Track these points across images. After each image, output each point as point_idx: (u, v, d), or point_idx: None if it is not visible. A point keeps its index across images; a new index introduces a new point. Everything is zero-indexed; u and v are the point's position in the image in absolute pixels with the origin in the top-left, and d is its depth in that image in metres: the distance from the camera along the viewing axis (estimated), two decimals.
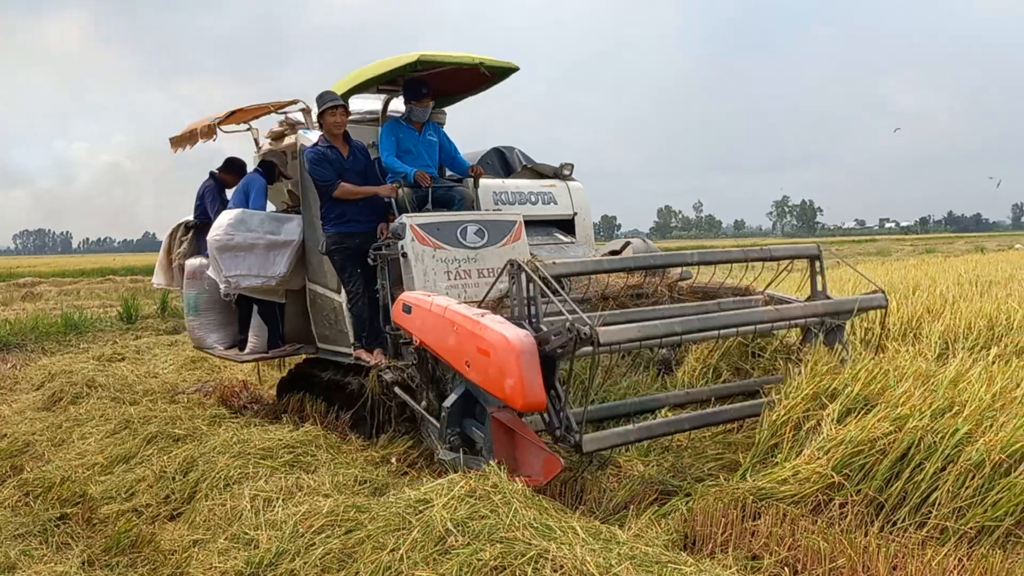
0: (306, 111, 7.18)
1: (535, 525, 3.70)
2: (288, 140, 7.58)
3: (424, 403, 5.60)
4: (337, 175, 6.30)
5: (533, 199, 7.38)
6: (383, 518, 3.93)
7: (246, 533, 4.26)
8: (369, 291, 6.33)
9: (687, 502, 4.36)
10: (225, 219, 6.94)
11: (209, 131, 7.22)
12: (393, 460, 5.71)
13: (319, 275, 6.93)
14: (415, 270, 6.01)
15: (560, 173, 7.50)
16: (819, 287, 6.00)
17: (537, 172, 7.80)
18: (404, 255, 6.05)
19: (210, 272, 7.10)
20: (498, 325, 4.76)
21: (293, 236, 7.03)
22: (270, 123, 7.94)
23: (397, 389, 5.81)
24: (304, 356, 7.58)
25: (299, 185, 7.12)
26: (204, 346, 7.99)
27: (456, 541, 3.60)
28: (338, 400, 6.82)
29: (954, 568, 3.52)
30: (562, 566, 3.34)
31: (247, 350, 7.41)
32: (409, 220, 5.97)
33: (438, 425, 5.31)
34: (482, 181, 6.92)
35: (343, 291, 6.54)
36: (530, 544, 3.50)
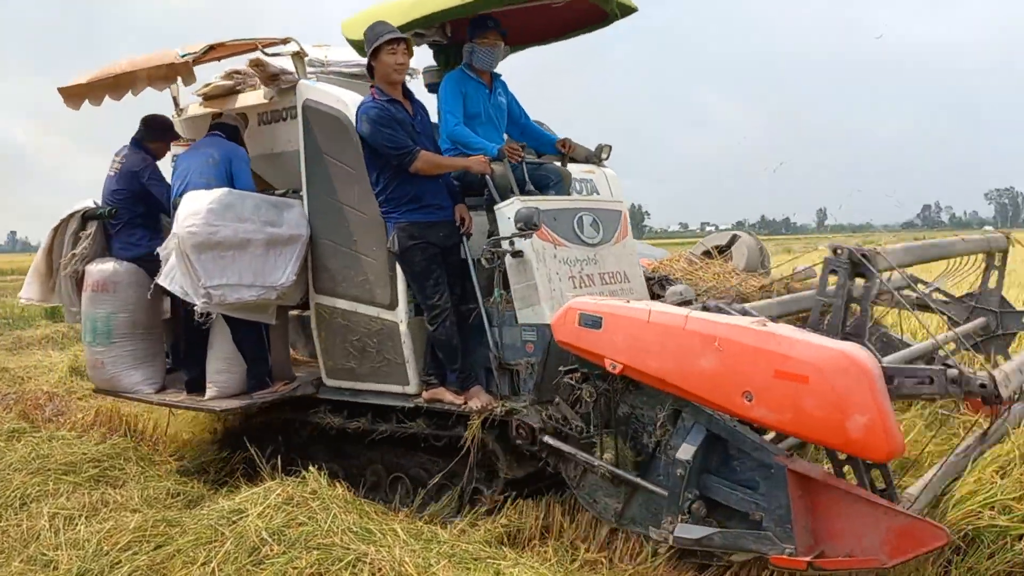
0: (299, 55, 5.15)
1: (355, 530, 3.77)
2: (249, 98, 5.50)
3: (605, 456, 3.92)
4: (412, 141, 4.44)
5: (578, 187, 5.84)
6: (194, 531, 3.86)
7: (44, 554, 4.01)
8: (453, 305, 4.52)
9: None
10: (203, 203, 4.74)
11: (183, 70, 4.94)
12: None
13: (342, 284, 4.94)
14: (538, 274, 4.34)
15: (594, 157, 6.03)
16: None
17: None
18: (518, 253, 4.34)
19: (167, 281, 4.82)
20: (815, 338, 3.28)
21: (300, 230, 4.97)
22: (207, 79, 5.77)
23: (550, 440, 4.07)
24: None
25: (307, 156, 5.06)
26: (120, 388, 5.58)
27: (271, 550, 3.58)
28: (390, 462, 4.98)
29: None
30: (380, 568, 3.43)
31: (211, 394, 5.16)
32: (528, 205, 4.27)
33: (647, 486, 3.70)
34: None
35: (401, 306, 4.64)
36: (348, 548, 3.56)
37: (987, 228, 7.50)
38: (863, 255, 3.38)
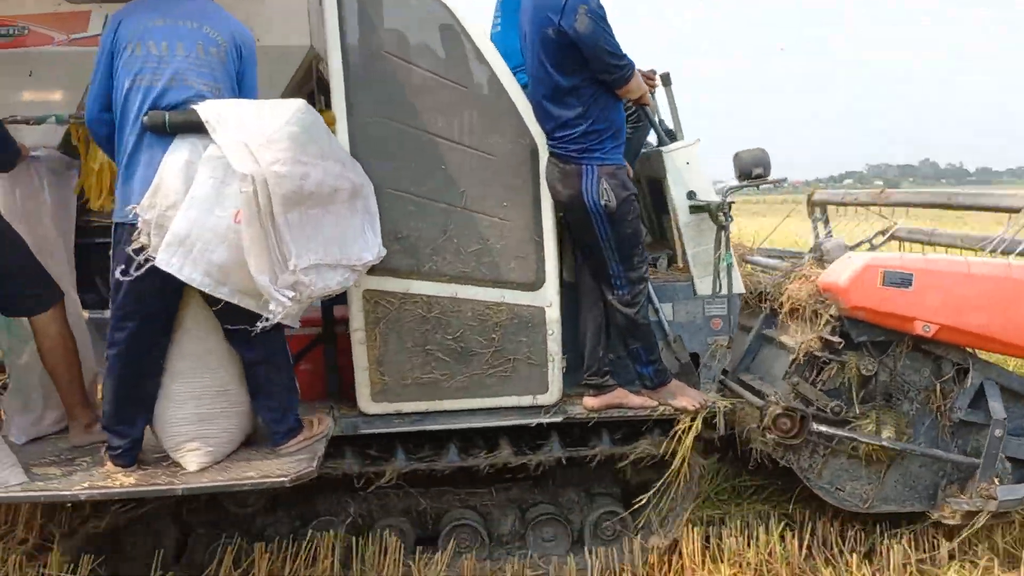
0: None
1: None
2: None
3: (895, 431, 3.47)
4: None
5: None
6: None
7: None
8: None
9: None
10: (278, 122, 2.66)
11: None
12: None
13: (431, 259, 3.27)
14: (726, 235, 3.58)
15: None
16: None
17: None
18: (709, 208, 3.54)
19: (176, 264, 2.60)
20: None
21: (362, 176, 3.11)
22: None
23: (821, 427, 3.41)
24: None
25: (353, 63, 3.16)
26: None
27: None
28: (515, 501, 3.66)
29: None
30: None
31: (201, 459, 2.92)
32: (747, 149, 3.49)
33: (948, 456, 3.45)
34: None
35: (550, 284, 3.31)
36: None
37: None
38: None
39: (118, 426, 2.93)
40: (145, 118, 2.77)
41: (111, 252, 2.89)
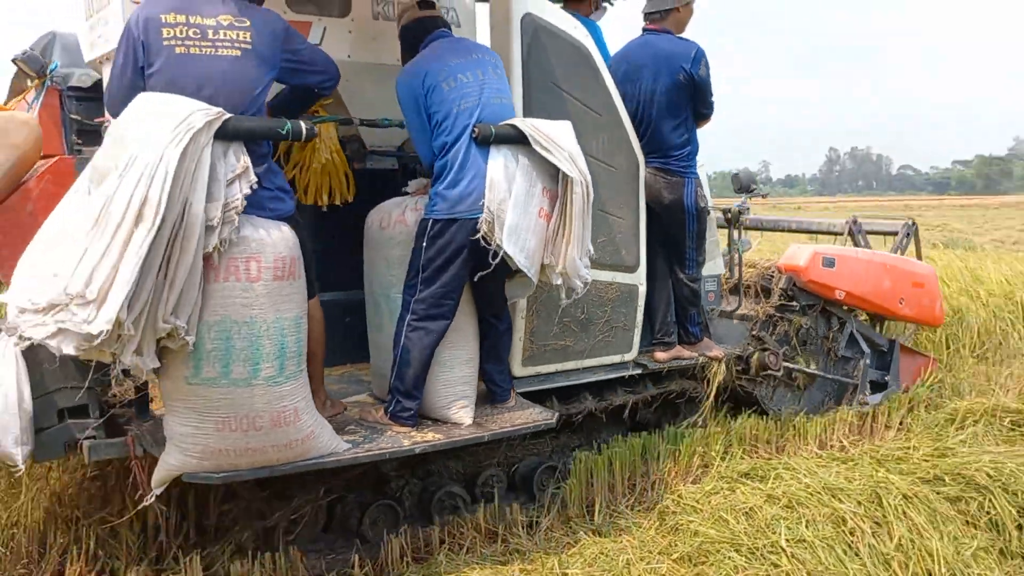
0: None
1: None
2: None
3: (815, 365, 5.16)
4: None
5: None
6: None
7: None
8: None
9: None
10: (567, 134, 3.43)
11: None
12: None
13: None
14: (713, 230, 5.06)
15: None
16: None
17: None
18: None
19: (512, 244, 3.26)
20: (915, 262, 5.63)
21: None
22: None
23: (788, 364, 4.97)
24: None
25: (530, 88, 3.87)
26: (315, 451, 2.95)
27: None
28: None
29: None
30: None
31: (464, 416, 3.46)
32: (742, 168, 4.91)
33: (843, 379, 5.30)
34: None
35: (642, 267, 4.40)
36: None
37: None
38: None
39: (415, 391, 3.38)
40: (475, 132, 3.31)
41: (422, 243, 3.34)
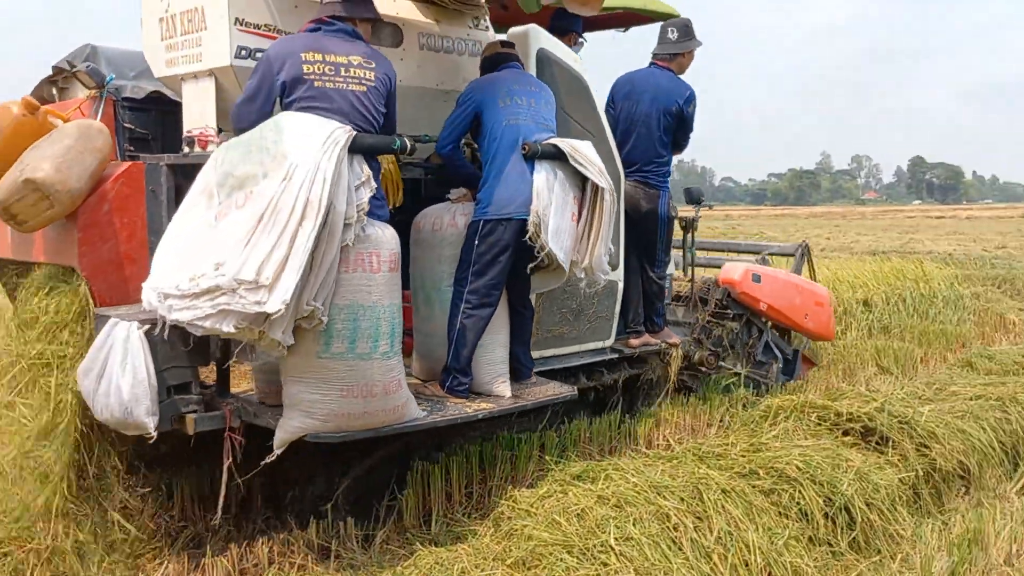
0: None
1: None
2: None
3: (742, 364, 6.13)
4: None
5: None
6: None
7: None
8: None
9: None
10: (592, 151, 4.28)
11: None
12: None
13: None
14: None
15: None
16: None
17: None
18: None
19: (555, 242, 4.03)
20: (815, 283, 6.72)
21: None
22: None
23: (723, 363, 5.89)
24: None
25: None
26: (405, 416, 3.54)
27: None
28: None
29: None
30: None
31: (504, 390, 4.13)
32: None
33: (761, 374, 6.30)
34: None
35: (621, 264, 5.17)
36: None
37: None
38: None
39: (469, 367, 3.99)
40: (524, 148, 3.95)
41: (474, 241, 3.94)
